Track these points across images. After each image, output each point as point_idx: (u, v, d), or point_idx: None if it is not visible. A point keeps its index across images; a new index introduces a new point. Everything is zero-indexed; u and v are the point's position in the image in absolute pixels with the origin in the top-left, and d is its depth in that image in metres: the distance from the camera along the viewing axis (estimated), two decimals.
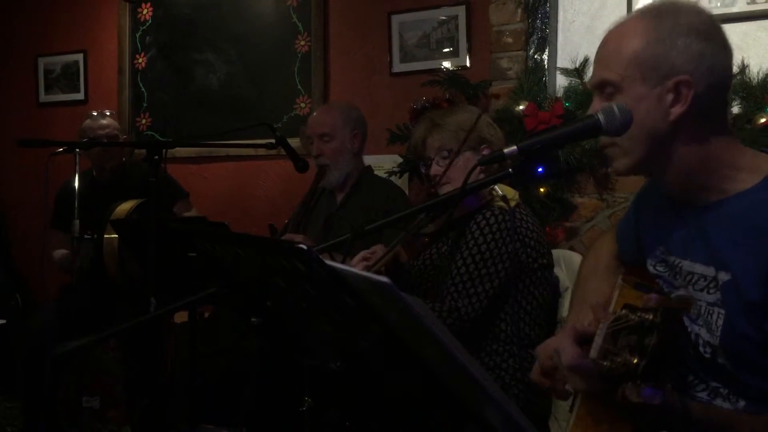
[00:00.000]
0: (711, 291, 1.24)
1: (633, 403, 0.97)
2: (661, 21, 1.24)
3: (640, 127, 1.24)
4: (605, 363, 1.04)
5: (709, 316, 1.24)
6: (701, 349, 1.28)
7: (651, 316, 0.97)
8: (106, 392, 3.47)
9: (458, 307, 1.91)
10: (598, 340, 1.08)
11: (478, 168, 1.62)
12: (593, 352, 1.08)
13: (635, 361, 0.97)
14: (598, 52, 1.31)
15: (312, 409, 1.84)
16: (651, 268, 1.40)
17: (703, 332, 1.27)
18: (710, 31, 1.23)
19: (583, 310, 1.40)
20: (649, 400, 0.96)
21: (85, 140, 3.13)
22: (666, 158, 1.26)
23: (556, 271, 2.26)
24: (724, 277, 1.22)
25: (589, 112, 1.29)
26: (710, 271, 1.24)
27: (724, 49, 1.25)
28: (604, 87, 1.29)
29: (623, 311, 1.04)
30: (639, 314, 0.99)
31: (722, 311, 1.22)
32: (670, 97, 1.23)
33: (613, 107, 1.32)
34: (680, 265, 1.31)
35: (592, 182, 2.72)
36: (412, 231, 1.92)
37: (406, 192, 3.14)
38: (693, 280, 1.28)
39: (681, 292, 1.31)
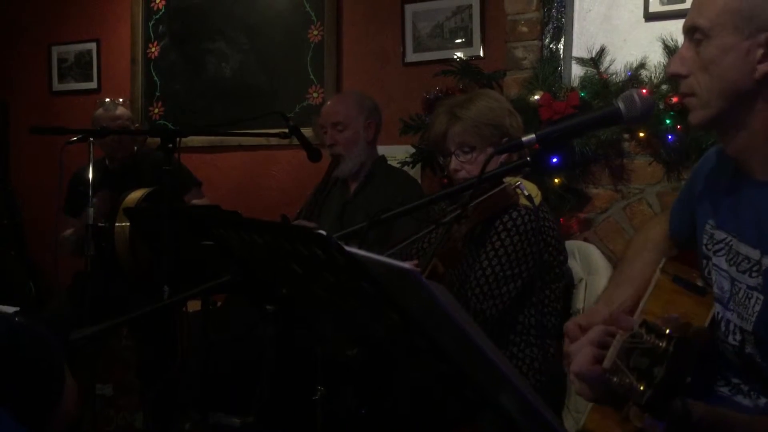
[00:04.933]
0: (753, 275, 1.20)
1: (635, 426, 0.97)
2: None
3: (722, 80, 1.19)
4: (614, 379, 1.03)
5: (747, 300, 1.21)
6: (730, 336, 1.25)
7: (664, 344, 0.96)
8: (118, 380, 3.49)
9: (483, 310, 1.89)
10: (612, 352, 1.07)
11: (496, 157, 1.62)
12: (606, 362, 1.07)
13: (641, 388, 0.96)
14: None
15: (324, 397, 1.85)
16: (703, 248, 1.35)
17: (734, 318, 1.24)
18: None
19: (620, 287, 1.42)
20: (650, 429, 0.96)
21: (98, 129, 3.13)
22: (742, 118, 1.20)
23: (571, 262, 2.25)
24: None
25: (675, 57, 1.24)
26: (755, 254, 1.20)
27: None
28: (693, 32, 1.22)
29: (641, 329, 1.02)
30: (654, 338, 0.98)
31: (761, 296, 1.19)
32: (759, 52, 1.16)
33: (633, 95, 1.31)
34: (730, 242, 1.27)
35: (607, 173, 2.69)
36: (436, 221, 1.89)
37: (419, 182, 3.13)
38: (738, 261, 1.24)
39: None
